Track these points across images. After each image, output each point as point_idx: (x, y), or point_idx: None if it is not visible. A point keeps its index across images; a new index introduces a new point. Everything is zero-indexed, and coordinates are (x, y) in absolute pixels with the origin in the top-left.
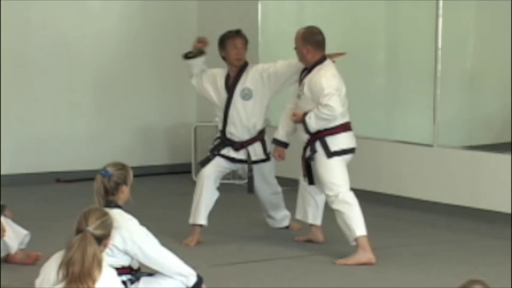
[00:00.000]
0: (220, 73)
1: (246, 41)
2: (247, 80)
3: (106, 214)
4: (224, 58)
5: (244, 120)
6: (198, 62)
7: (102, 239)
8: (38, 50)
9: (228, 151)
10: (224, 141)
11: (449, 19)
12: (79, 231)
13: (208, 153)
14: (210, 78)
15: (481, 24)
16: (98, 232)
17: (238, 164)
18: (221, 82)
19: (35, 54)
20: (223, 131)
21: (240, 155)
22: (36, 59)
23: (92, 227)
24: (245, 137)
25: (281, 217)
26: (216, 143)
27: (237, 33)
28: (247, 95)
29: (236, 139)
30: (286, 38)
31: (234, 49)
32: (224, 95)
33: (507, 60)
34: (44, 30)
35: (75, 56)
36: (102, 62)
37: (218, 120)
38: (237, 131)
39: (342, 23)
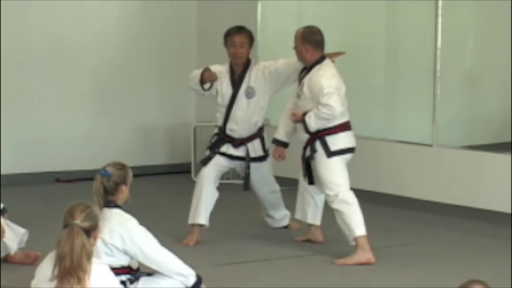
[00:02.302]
0: (222, 71)
1: (248, 38)
2: (251, 79)
3: (90, 206)
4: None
5: (246, 117)
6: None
7: (90, 231)
8: (37, 50)
9: (227, 148)
10: (223, 138)
11: (449, 19)
12: (66, 227)
13: (208, 151)
14: (216, 72)
15: (481, 24)
16: (85, 224)
17: (237, 162)
18: (226, 79)
19: (35, 54)
20: (222, 128)
21: (240, 151)
22: (35, 59)
23: (78, 220)
24: (245, 134)
25: (280, 216)
26: (213, 140)
27: (238, 30)
28: (250, 94)
29: (236, 136)
30: (286, 38)
31: (232, 47)
32: (229, 92)
33: (506, 60)
34: (44, 30)
35: (75, 56)
36: (101, 62)
37: (219, 116)
38: (238, 128)
39: (341, 22)
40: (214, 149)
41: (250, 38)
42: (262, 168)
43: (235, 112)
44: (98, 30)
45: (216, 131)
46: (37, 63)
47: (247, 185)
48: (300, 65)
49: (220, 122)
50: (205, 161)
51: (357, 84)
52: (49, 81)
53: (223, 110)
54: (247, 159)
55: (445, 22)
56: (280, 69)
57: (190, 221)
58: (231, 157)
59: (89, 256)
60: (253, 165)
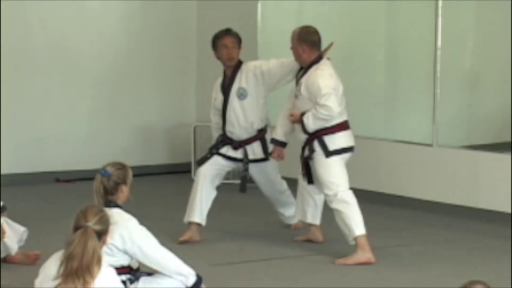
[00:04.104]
0: (220, 79)
1: (237, 39)
2: (242, 80)
3: (103, 210)
4: (219, 58)
5: (241, 119)
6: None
7: (101, 234)
8: (37, 50)
9: (227, 150)
10: (224, 139)
11: (449, 19)
12: (78, 228)
13: (207, 152)
14: (214, 91)
15: (481, 24)
16: (98, 227)
17: (238, 163)
18: (218, 88)
19: (35, 54)
20: (223, 130)
21: (238, 154)
22: (36, 59)
23: (91, 223)
24: (243, 136)
25: (290, 214)
26: (217, 140)
27: (226, 32)
28: (242, 95)
29: (235, 138)
30: (286, 38)
31: (224, 49)
32: (221, 96)
33: (507, 60)
34: (44, 30)
35: (75, 56)
36: (101, 62)
37: (219, 119)
38: (235, 130)
39: (341, 22)
40: (213, 149)
41: (239, 40)
42: (266, 169)
43: (230, 114)
44: (98, 30)
45: (220, 131)
46: (37, 63)
47: (243, 187)
48: (295, 65)
49: (220, 125)
50: (201, 161)
51: (357, 84)
52: (49, 81)
53: (220, 114)
54: (245, 161)
55: (445, 22)
56: (273, 69)
57: (185, 219)
58: (230, 158)
59: (99, 260)
60: (256, 167)
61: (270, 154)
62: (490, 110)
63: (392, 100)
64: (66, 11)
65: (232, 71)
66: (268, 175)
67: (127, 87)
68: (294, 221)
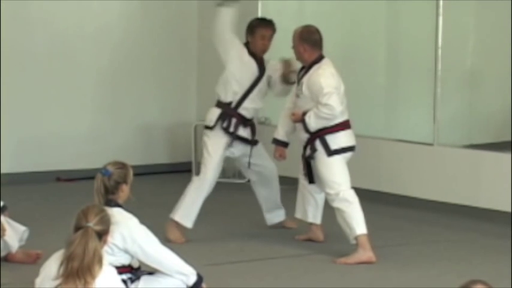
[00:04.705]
0: (242, 48)
1: (274, 33)
2: (268, 69)
3: (104, 210)
4: (249, 43)
5: (259, 101)
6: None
7: (102, 235)
8: (38, 49)
9: (241, 130)
10: (233, 115)
11: (450, 18)
12: (78, 228)
13: (224, 128)
14: (239, 48)
15: (481, 23)
16: (98, 227)
17: (233, 149)
18: (249, 59)
19: (36, 52)
20: (234, 105)
21: (246, 133)
22: (36, 58)
23: (92, 223)
24: (249, 116)
25: (279, 215)
26: (223, 118)
27: (269, 23)
28: (270, 82)
29: (248, 116)
30: (287, 37)
31: (261, 39)
32: (256, 73)
33: (507, 59)
34: (45, 29)
35: (76, 55)
36: (102, 61)
37: (231, 90)
38: (252, 108)
39: (342, 22)
40: (228, 128)
41: (275, 32)
42: (256, 151)
43: (256, 92)
44: (99, 29)
45: (218, 110)
46: (38, 62)
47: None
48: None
49: (231, 98)
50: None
51: (358, 83)
52: (50, 80)
53: (242, 88)
54: (253, 140)
55: (446, 21)
56: (273, 80)
57: (186, 224)
58: (240, 139)
59: (100, 260)
60: (241, 148)
61: (257, 145)
62: (491, 109)
63: (393, 99)
64: (67, 10)
65: (261, 57)
66: (257, 158)
67: (128, 86)
68: (281, 218)
